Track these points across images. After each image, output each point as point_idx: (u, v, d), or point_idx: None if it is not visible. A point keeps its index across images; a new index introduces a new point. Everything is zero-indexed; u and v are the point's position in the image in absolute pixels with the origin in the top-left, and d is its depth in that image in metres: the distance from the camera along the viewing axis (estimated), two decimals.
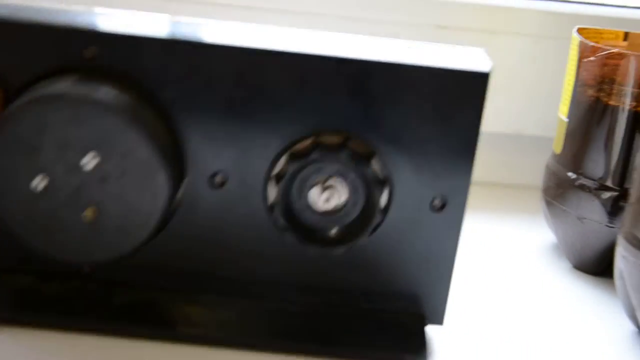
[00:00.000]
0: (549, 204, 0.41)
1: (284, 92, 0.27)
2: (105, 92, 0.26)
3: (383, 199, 0.28)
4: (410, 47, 0.29)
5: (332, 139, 0.27)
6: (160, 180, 0.27)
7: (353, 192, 0.28)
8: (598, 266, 0.39)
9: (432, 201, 0.29)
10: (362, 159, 0.27)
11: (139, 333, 0.29)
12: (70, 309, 0.29)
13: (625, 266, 0.32)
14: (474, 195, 0.51)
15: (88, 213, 0.27)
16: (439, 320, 0.31)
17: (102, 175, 0.26)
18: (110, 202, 0.27)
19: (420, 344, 0.30)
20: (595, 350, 0.33)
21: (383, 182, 0.28)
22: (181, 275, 0.30)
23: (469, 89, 0.27)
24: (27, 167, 0.26)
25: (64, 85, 0.26)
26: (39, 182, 0.27)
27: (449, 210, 0.29)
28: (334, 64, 0.27)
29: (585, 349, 0.33)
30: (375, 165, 0.28)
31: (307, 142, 0.28)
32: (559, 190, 0.40)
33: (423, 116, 0.27)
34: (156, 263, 0.29)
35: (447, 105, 0.27)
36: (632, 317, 0.33)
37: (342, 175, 0.28)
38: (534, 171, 0.45)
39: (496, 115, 0.52)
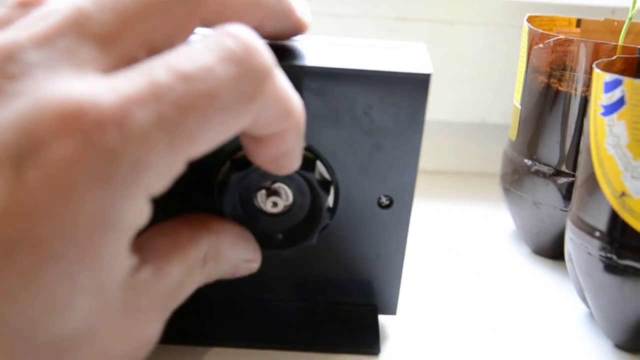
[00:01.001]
0: (506, 190, 0.42)
1: None
2: None
3: (329, 200, 0.29)
4: (351, 46, 0.29)
5: None
6: None
7: (299, 194, 0.29)
8: (555, 250, 0.40)
9: (379, 199, 0.29)
10: (306, 162, 0.28)
11: None
12: None
13: (573, 248, 0.33)
14: (440, 183, 0.52)
15: None
16: (392, 311, 0.31)
17: None
18: None
19: (373, 333, 0.31)
20: (548, 331, 0.33)
21: (328, 183, 0.29)
22: None
23: (410, 92, 0.27)
24: None
25: None
26: None
27: (396, 207, 0.29)
28: None
29: (538, 330, 0.34)
30: (320, 168, 0.28)
31: None
32: (515, 177, 0.41)
33: (365, 120, 0.27)
34: None
35: (390, 108, 0.27)
36: (583, 298, 0.34)
37: (287, 179, 0.28)
38: (499, 159, 0.45)
39: (460, 105, 0.52)
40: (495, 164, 0.45)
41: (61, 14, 0.19)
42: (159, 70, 0.19)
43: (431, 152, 0.53)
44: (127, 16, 0.20)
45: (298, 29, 0.26)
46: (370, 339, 0.30)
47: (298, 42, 0.28)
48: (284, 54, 0.27)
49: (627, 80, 0.29)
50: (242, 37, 0.20)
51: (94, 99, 0.18)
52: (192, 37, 0.22)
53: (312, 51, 0.27)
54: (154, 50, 0.20)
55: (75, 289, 0.18)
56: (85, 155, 0.17)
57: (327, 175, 0.29)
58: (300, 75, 0.26)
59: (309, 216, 0.29)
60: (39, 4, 0.21)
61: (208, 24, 0.22)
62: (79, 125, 0.17)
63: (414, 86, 0.27)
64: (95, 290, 0.18)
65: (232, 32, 0.20)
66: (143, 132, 0.18)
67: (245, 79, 0.20)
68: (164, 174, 0.19)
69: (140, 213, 0.19)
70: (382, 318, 0.32)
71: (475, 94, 0.52)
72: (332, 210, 0.29)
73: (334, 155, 0.28)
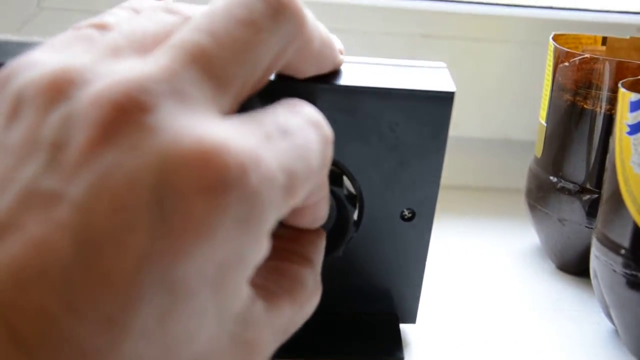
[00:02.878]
0: (531, 206, 0.42)
1: None
2: None
3: (355, 214, 0.30)
4: (375, 65, 0.29)
5: None
6: None
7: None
8: (580, 266, 0.40)
9: (402, 213, 0.30)
10: (333, 177, 0.29)
11: None
12: None
13: (598, 266, 0.33)
14: (464, 199, 0.52)
15: None
16: (412, 319, 0.32)
17: None
18: None
19: (396, 340, 0.32)
20: (573, 348, 0.34)
21: (354, 197, 0.30)
22: None
23: (435, 109, 0.28)
24: None
25: None
26: None
27: (418, 220, 0.30)
28: (294, 87, 0.27)
29: (563, 347, 0.34)
30: (346, 183, 0.29)
31: None
32: (540, 193, 0.41)
33: (390, 136, 0.28)
34: None
35: (414, 125, 0.28)
36: (608, 315, 0.34)
37: None
38: (523, 175, 0.45)
39: (485, 121, 0.53)
40: (519, 180, 0.46)
41: (181, 48, 0.19)
42: (269, 125, 0.20)
43: (456, 168, 0.53)
44: (242, 57, 0.20)
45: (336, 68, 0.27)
46: (394, 346, 0.31)
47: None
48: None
49: None
50: (320, 125, 0.22)
51: (233, 144, 0.18)
52: None
53: (339, 70, 0.28)
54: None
55: (204, 321, 0.18)
56: (229, 203, 0.17)
57: (352, 190, 0.30)
58: (328, 94, 0.27)
59: (336, 229, 0.30)
60: (112, 28, 0.21)
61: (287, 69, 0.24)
62: (222, 172, 0.17)
63: (439, 103, 0.28)
64: (216, 322, 0.19)
65: (309, 117, 0.21)
66: (272, 176, 0.18)
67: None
68: (282, 210, 0.19)
69: (264, 249, 0.19)
70: (403, 327, 0.33)
71: (499, 111, 0.52)
72: (357, 223, 0.30)
73: (360, 170, 0.29)
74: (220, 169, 0.17)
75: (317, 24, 0.23)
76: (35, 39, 0.28)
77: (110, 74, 0.18)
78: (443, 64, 0.30)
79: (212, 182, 0.17)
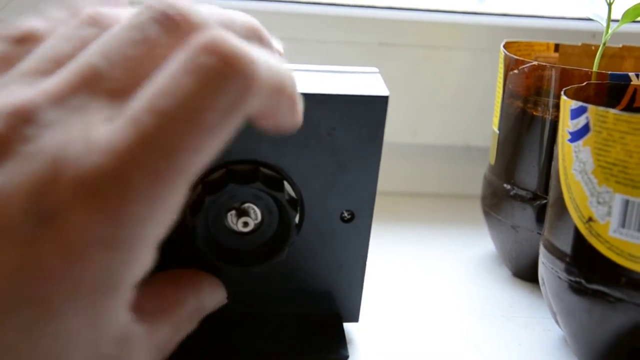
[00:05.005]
0: (486, 213, 0.42)
1: None
2: None
3: (296, 218, 0.30)
4: (309, 71, 0.30)
5: (243, 168, 0.29)
6: None
7: (267, 213, 0.30)
8: (534, 273, 0.40)
9: (342, 214, 0.30)
10: (274, 182, 0.29)
11: None
12: None
13: (545, 272, 0.33)
14: (425, 206, 0.52)
15: None
16: (355, 319, 0.33)
17: None
18: None
19: (340, 339, 0.32)
20: (523, 354, 0.34)
21: (295, 201, 0.30)
22: None
23: (371, 112, 0.28)
24: None
25: None
26: None
27: (357, 221, 0.31)
28: None
29: (513, 353, 0.34)
30: (287, 187, 0.29)
31: (220, 173, 0.29)
32: (494, 200, 0.41)
33: (328, 141, 0.29)
34: None
35: (351, 129, 0.29)
36: (557, 321, 0.34)
37: (256, 199, 0.30)
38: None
39: (444, 128, 0.53)
40: (479, 187, 0.46)
41: (73, 71, 0.20)
42: (144, 115, 0.19)
43: (416, 175, 0.53)
44: (135, 72, 0.20)
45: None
46: (338, 345, 0.32)
47: None
48: None
49: (591, 107, 0.30)
50: (217, 48, 0.20)
51: (97, 164, 0.18)
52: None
53: None
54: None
55: (70, 344, 0.18)
56: (95, 222, 0.18)
57: (293, 194, 0.30)
58: None
59: (278, 233, 0.30)
60: (36, 40, 0.22)
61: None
62: (88, 192, 0.18)
63: (373, 107, 0.28)
64: (90, 345, 0.19)
65: (206, 45, 0.20)
66: (142, 189, 0.18)
67: (230, 92, 0.20)
68: (166, 217, 0.19)
69: (145, 264, 0.20)
70: (348, 326, 0.33)
71: (459, 118, 0.53)
72: (299, 226, 0.31)
73: (300, 175, 0.29)
74: (85, 192, 0.18)
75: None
76: None
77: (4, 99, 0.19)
78: (376, 69, 0.31)
79: (78, 205, 0.18)
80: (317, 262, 0.31)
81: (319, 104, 0.28)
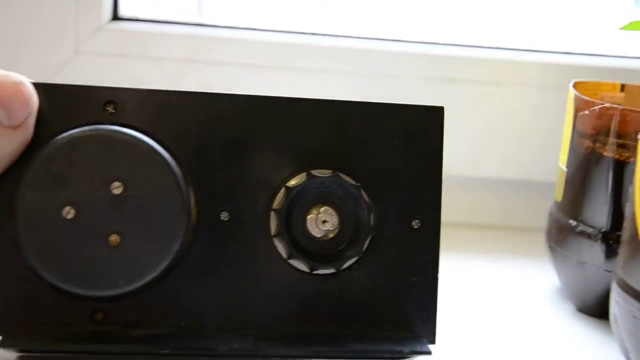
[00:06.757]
0: (551, 249, 0.43)
1: (281, 134, 0.31)
2: (127, 131, 0.30)
3: (371, 221, 0.32)
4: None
5: (323, 173, 0.31)
6: (179, 206, 0.30)
7: (344, 219, 0.32)
8: (600, 309, 0.41)
9: (411, 223, 0.32)
10: (351, 189, 0.31)
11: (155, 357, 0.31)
12: (89, 339, 0.31)
13: (619, 311, 0.34)
14: (487, 239, 0.53)
15: (112, 238, 0.30)
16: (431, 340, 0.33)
17: (125, 203, 0.29)
18: (132, 229, 0.29)
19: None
20: None
21: (369, 208, 0.31)
22: (187, 315, 0.32)
23: (428, 122, 0.32)
24: (58, 198, 0.29)
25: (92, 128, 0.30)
26: (67, 212, 0.29)
27: (425, 228, 0.32)
28: (310, 105, 0.31)
29: None
30: (362, 194, 0.31)
31: (301, 176, 0.31)
32: (560, 236, 0.42)
33: (395, 150, 0.32)
34: (167, 303, 0.31)
35: (413, 138, 0.32)
36: (628, 359, 0.35)
37: (334, 205, 0.31)
38: (544, 215, 0.47)
39: (506, 163, 0.54)
40: (540, 220, 0.47)
41: None
42: None
43: (478, 207, 0.54)
44: None
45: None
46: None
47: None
48: None
49: None
50: None
51: None
52: None
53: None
54: None
55: None
56: None
57: (368, 200, 0.32)
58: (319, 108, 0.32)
59: (353, 238, 0.32)
60: None
61: None
62: None
63: (431, 117, 0.32)
64: None
65: None
66: None
67: None
68: None
69: None
70: None
71: (520, 152, 0.54)
72: (372, 232, 0.32)
73: (372, 183, 0.32)
74: None
75: None
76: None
77: None
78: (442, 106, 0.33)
79: None
80: (387, 272, 0.32)
81: (384, 114, 0.32)
